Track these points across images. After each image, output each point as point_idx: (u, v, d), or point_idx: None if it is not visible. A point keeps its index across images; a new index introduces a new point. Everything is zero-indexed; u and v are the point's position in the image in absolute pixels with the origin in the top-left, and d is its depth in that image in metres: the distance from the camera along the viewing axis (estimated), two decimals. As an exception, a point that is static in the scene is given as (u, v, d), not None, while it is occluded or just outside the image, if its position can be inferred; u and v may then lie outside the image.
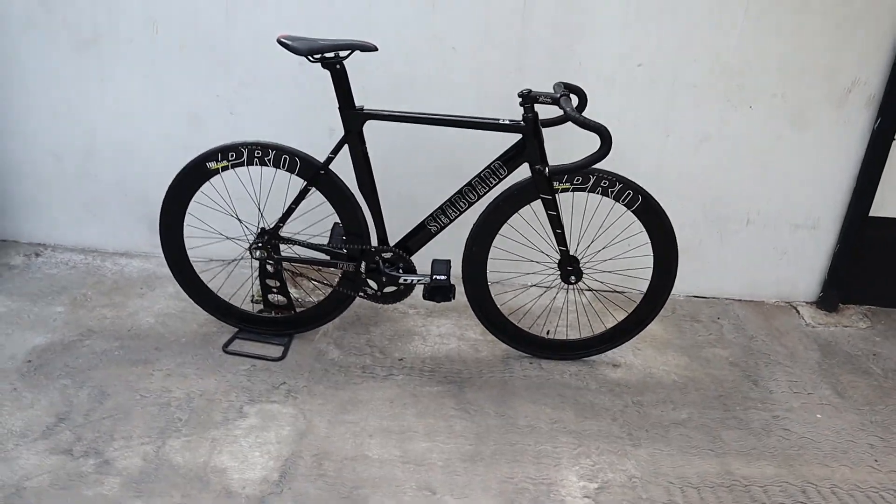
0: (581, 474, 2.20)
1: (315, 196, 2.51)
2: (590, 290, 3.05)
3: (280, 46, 2.29)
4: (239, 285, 2.85)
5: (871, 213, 3.14)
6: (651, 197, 2.46)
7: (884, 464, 2.36)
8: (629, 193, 2.44)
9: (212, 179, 2.52)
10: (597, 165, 2.27)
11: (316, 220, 2.72)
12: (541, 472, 2.20)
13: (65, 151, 3.12)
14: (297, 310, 2.74)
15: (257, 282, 2.74)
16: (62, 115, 3.05)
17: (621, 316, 2.77)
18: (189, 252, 2.65)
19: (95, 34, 2.90)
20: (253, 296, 2.90)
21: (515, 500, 2.08)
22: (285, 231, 2.59)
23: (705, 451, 2.35)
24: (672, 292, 2.85)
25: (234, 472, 2.10)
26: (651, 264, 2.62)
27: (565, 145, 2.62)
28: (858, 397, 2.71)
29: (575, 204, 2.76)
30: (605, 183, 2.43)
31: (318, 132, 2.92)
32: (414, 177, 3.03)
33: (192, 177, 2.49)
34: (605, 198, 2.47)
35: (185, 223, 2.59)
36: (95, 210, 3.22)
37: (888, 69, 2.89)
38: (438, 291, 2.50)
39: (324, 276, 2.78)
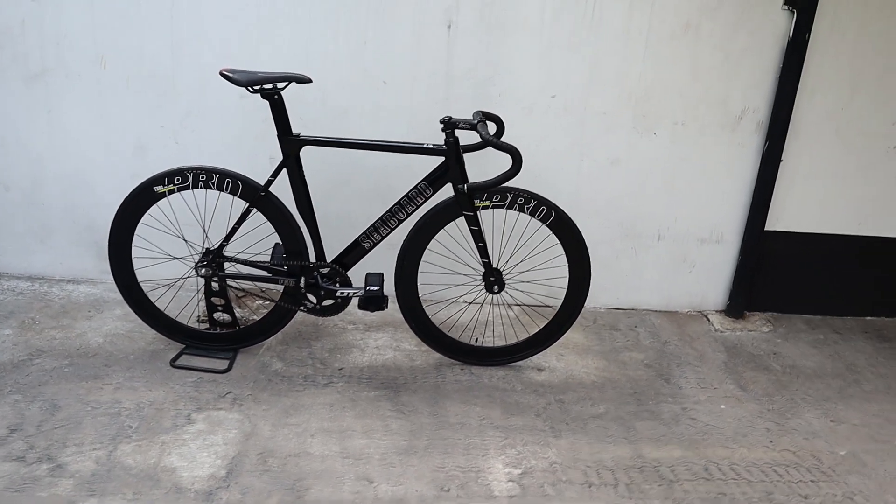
0: (507, 462, 2.41)
1: (256, 217, 2.70)
2: (517, 304, 3.30)
3: (222, 79, 2.50)
4: (184, 305, 3.00)
5: (767, 228, 3.49)
6: (562, 211, 2.73)
7: (778, 444, 2.64)
8: (543, 209, 2.71)
9: (158, 203, 2.69)
10: (514, 185, 2.55)
11: (257, 240, 2.91)
12: (470, 461, 2.40)
13: (12, 181, 3.24)
14: (241, 326, 2.91)
15: (203, 302, 2.90)
16: (10, 145, 3.18)
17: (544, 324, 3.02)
18: (137, 273, 2.80)
19: (44, 68, 3.06)
20: (199, 316, 3.05)
21: (446, 485, 2.28)
22: (229, 251, 2.77)
23: (620, 440, 2.60)
24: (592, 305, 3.12)
25: (184, 470, 2.24)
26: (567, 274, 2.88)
27: (489, 171, 2.87)
28: (759, 390, 3.00)
29: (496, 222, 3.02)
30: (521, 200, 2.69)
31: (259, 160, 3.12)
32: (348, 199, 3.25)
33: (140, 200, 2.66)
34: (521, 214, 2.73)
35: (133, 245, 2.74)
36: (43, 238, 3.33)
37: (772, 98, 3.26)
38: (372, 301, 2.71)
39: (266, 295, 2.96)
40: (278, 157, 2.65)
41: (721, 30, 3.15)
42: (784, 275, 3.63)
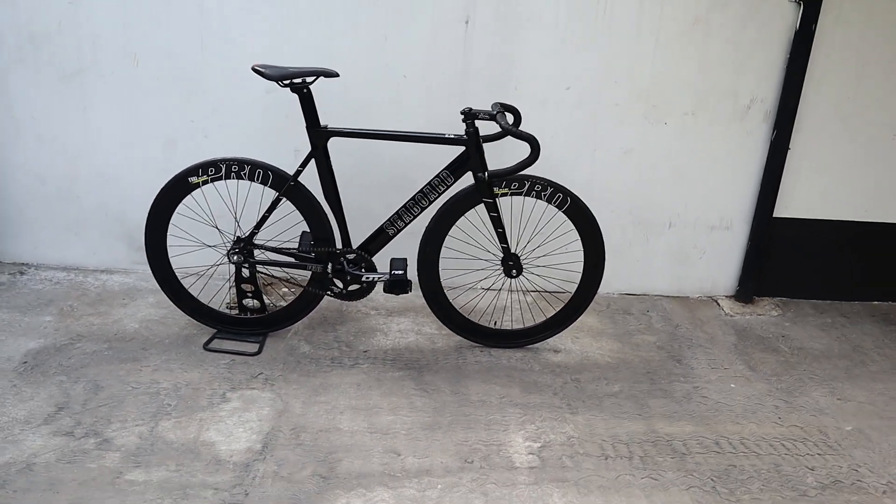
0: (526, 436, 2.54)
1: (285, 207, 2.83)
2: (534, 290, 3.42)
3: (253, 74, 2.63)
4: (214, 293, 3.14)
5: (775, 215, 3.59)
6: (578, 198, 2.84)
7: (786, 420, 2.75)
8: (559, 196, 2.82)
9: (192, 193, 2.82)
10: (531, 173, 2.67)
11: (284, 228, 3.03)
12: (491, 436, 2.53)
13: (49, 176, 3.38)
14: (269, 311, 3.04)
15: (233, 289, 3.04)
16: (47, 142, 3.32)
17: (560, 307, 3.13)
18: (171, 260, 2.94)
19: (79, 68, 3.20)
20: (228, 303, 3.19)
21: (469, 457, 2.40)
22: (259, 239, 2.90)
23: (634, 416, 2.71)
24: (606, 290, 3.20)
25: (222, 444, 2.38)
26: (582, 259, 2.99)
27: (506, 160, 3.00)
28: (767, 370, 3.11)
29: (514, 209, 3.14)
30: (538, 187, 2.81)
31: (284, 153, 3.25)
32: (372, 188, 3.37)
33: (176, 191, 2.80)
34: (538, 201, 2.84)
35: (167, 234, 2.88)
36: (77, 230, 3.47)
37: (780, 88, 3.36)
38: (397, 284, 2.84)
39: (294, 282, 3.08)
40: (303, 148, 2.78)
41: (730, 22, 3.25)
42: (792, 260, 3.73)
